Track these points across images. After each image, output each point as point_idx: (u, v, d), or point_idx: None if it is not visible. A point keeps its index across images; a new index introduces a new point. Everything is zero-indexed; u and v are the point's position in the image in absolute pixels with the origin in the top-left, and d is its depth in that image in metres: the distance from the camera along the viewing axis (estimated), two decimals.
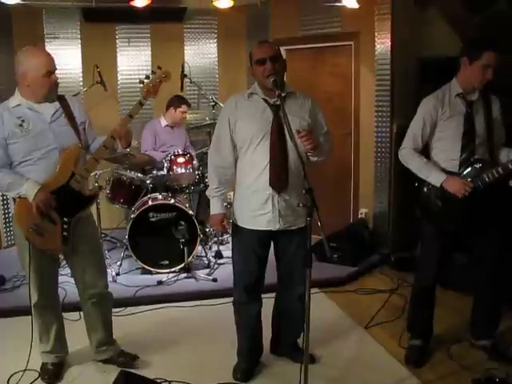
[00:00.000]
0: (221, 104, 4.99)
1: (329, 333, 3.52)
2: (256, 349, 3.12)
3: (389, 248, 5.01)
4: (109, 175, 4.80)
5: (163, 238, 4.45)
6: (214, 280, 4.36)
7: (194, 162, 4.71)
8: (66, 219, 2.78)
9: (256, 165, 2.78)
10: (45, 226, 2.74)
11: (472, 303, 3.25)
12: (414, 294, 3.27)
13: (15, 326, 3.55)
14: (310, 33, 5.34)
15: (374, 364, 3.16)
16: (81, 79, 5.67)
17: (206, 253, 4.78)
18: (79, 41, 5.67)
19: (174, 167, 4.64)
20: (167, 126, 5.25)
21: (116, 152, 2.92)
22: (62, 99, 2.84)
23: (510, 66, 3.12)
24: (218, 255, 4.87)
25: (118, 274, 4.42)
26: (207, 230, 5.13)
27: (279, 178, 2.76)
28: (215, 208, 2.92)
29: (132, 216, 4.48)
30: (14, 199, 2.76)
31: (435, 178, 2.95)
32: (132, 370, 2.91)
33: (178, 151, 4.71)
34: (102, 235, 4.94)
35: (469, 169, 2.93)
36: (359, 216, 5.35)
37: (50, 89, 2.72)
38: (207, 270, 4.58)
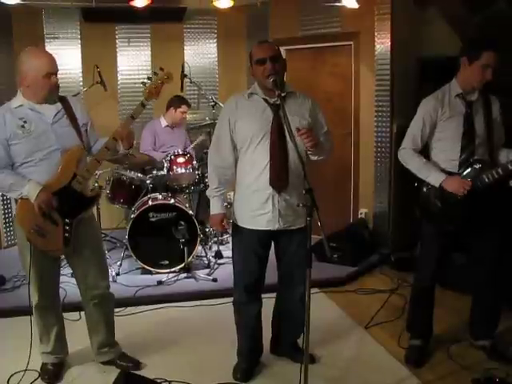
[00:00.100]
0: (221, 104, 4.99)
1: (329, 333, 3.52)
2: (256, 349, 3.12)
3: (389, 248, 5.01)
4: (109, 175, 4.80)
5: (163, 237, 4.45)
6: (214, 280, 4.36)
7: (194, 162, 4.72)
8: (67, 220, 2.78)
9: (256, 164, 2.78)
10: (46, 227, 2.74)
11: (471, 303, 3.25)
12: (414, 294, 3.27)
13: (15, 326, 3.55)
14: (310, 33, 5.34)
15: (373, 364, 3.16)
16: (81, 79, 5.67)
17: (205, 253, 4.78)
18: (79, 41, 5.68)
19: (174, 167, 4.64)
20: (167, 126, 5.26)
21: (118, 154, 2.91)
22: (63, 100, 2.83)
23: (509, 65, 3.12)
24: (218, 255, 4.87)
25: (118, 274, 4.42)
26: (207, 230, 5.13)
27: (279, 178, 2.76)
28: (215, 208, 2.92)
29: (132, 216, 4.48)
30: (16, 200, 2.76)
31: (434, 178, 2.95)
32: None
33: (177, 151, 4.72)
34: (102, 235, 4.93)
35: (468, 169, 2.93)
36: (359, 216, 5.35)
37: (49, 90, 2.71)
38: (207, 270, 4.58)
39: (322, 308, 3.88)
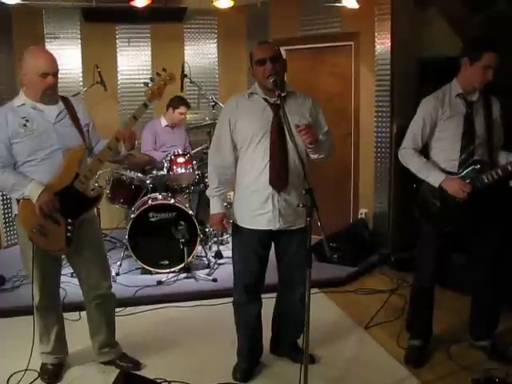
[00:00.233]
0: (221, 104, 4.99)
1: (329, 333, 3.52)
2: (256, 349, 3.12)
3: (389, 248, 5.01)
4: (109, 175, 4.80)
5: (163, 237, 4.45)
6: (214, 280, 4.36)
7: (194, 162, 4.72)
8: (69, 220, 2.78)
9: (256, 164, 2.78)
10: (49, 227, 2.74)
11: (471, 303, 3.24)
12: (413, 294, 3.27)
13: (15, 326, 3.55)
14: (310, 33, 5.34)
15: (373, 364, 3.16)
16: (81, 79, 5.68)
17: (205, 253, 4.78)
18: (79, 41, 5.68)
19: (174, 167, 4.65)
20: (167, 126, 5.26)
21: (119, 155, 2.90)
22: (66, 100, 2.83)
23: (510, 66, 3.11)
24: (218, 255, 4.87)
25: (117, 274, 4.42)
26: (207, 229, 5.13)
27: (279, 177, 2.76)
28: (215, 208, 2.92)
29: (132, 216, 4.48)
30: (18, 200, 2.74)
31: (434, 178, 2.95)
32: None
33: (177, 151, 4.72)
34: (102, 235, 4.93)
35: (468, 169, 2.93)
36: (359, 216, 5.35)
37: (43, 90, 2.69)
38: (207, 270, 4.58)
39: (321, 308, 3.88)
